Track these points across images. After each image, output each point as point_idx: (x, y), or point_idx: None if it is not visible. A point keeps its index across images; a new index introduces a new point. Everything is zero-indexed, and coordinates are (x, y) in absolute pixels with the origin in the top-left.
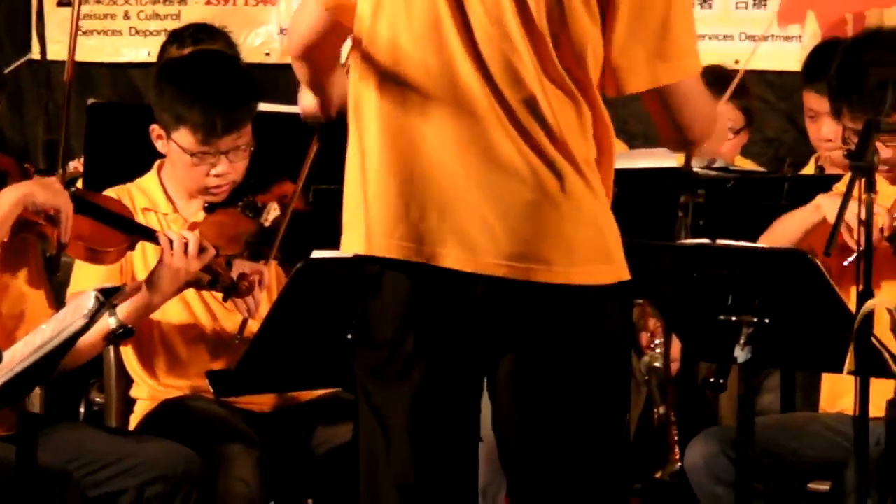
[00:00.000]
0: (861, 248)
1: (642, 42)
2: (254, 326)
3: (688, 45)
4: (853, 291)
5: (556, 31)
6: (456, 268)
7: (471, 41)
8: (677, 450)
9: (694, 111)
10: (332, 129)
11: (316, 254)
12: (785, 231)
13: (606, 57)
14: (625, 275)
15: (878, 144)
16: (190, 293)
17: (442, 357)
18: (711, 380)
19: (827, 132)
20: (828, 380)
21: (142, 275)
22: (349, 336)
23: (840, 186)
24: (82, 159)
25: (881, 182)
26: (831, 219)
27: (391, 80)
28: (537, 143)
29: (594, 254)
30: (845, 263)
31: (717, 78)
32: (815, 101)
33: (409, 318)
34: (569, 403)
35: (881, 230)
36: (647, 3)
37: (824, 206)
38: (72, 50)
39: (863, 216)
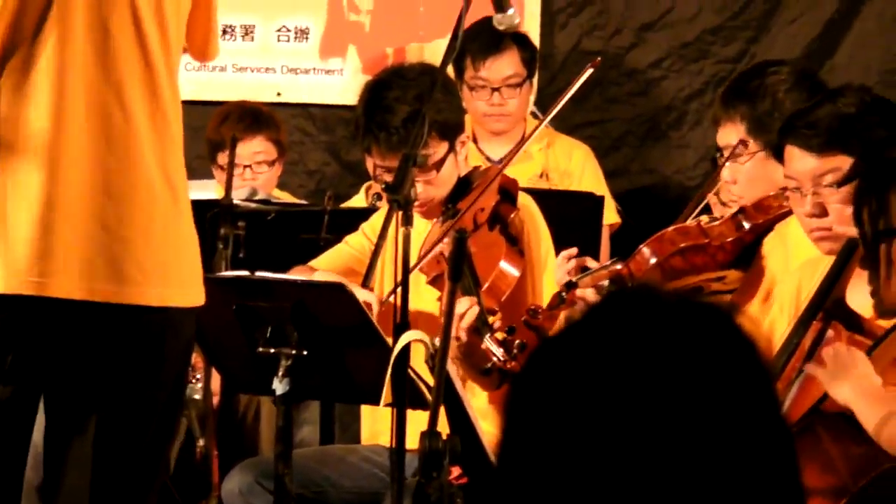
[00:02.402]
0: (398, 282)
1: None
2: None
3: None
4: None
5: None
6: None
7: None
8: (218, 483)
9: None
10: None
11: None
12: None
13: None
14: (200, 299)
15: None
16: None
17: (23, 376)
18: None
19: None
20: (368, 417)
21: None
22: None
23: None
24: None
25: (416, 217)
26: None
27: None
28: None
29: (169, 276)
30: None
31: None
32: None
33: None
34: (114, 422)
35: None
36: None
37: None
38: None
39: (400, 249)
